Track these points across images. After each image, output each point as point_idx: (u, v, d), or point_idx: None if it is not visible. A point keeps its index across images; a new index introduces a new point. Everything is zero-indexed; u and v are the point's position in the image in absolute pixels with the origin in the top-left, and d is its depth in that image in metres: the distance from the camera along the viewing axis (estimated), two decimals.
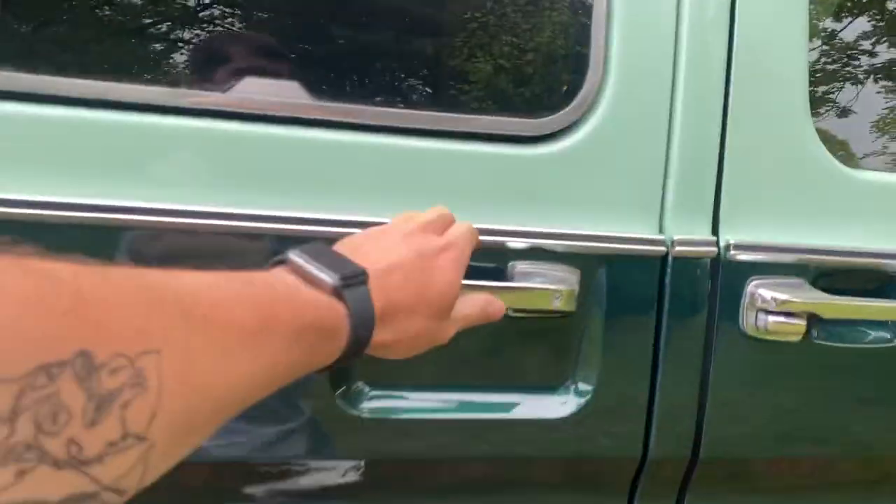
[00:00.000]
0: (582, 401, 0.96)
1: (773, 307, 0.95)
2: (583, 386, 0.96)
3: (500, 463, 0.96)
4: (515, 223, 0.91)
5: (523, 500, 0.99)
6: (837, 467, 1.07)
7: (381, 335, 0.60)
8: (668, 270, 0.95)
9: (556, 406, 0.96)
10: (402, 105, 0.89)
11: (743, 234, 0.97)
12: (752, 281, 0.97)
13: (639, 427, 0.98)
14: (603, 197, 0.93)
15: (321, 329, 0.54)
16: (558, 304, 0.90)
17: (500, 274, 0.90)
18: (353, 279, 0.57)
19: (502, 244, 0.90)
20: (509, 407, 0.95)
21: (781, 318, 0.95)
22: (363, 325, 0.57)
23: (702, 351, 0.97)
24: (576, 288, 0.91)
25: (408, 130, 0.89)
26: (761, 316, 0.96)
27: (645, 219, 0.95)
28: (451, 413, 0.93)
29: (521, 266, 0.91)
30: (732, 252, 0.96)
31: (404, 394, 0.92)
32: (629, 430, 0.98)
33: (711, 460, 1.01)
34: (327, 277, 0.56)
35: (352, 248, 0.65)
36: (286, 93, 0.86)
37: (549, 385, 0.97)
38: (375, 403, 0.91)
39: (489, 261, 0.91)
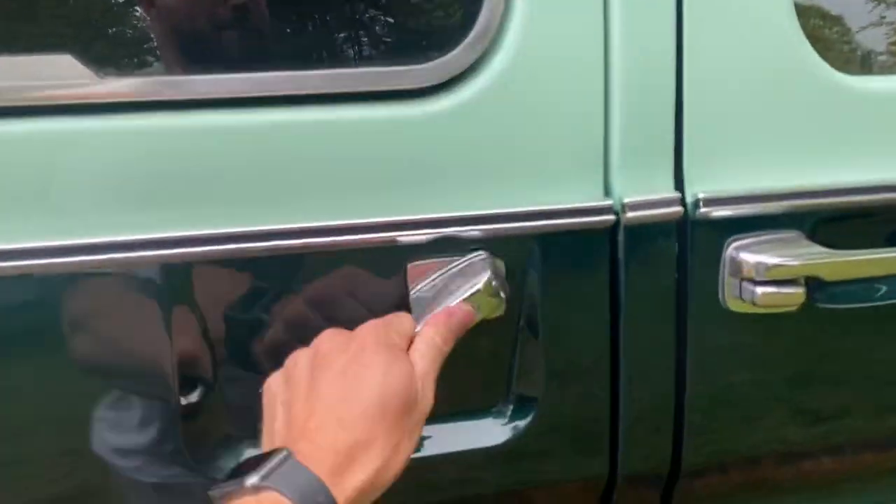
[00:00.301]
0: (523, 421, 0.75)
1: (762, 274, 0.73)
2: (523, 402, 0.75)
3: None
4: (409, 210, 0.68)
5: None
6: (859, 460, 0.88)
7: (353, 482, 0.56)
8: (621, 243, 0.72)
9: (492, 431, 0.75)
10: (229, 68, 0.64)
11: (716, 183, 0.74)
12: (732, 243, 0.74)
13: (601, 442, 0.77)
14: (523, 160, 0.69)
15: None
16: (481, 315, 0.68)
17: (396, 285, 0.68)
18: (275, 466, 0.54)
19: (393, 241, 0.67)
20: (434, 441, 0.74)
21: (772, 289, 0.73)
22: (310, 494, 0.53)
23: (674, 338, 0.76)
24: (499, 284, 0.68)
25: (242, 101, 0.64)
26: (747, 286, 0.74)
27: (584, 181, 0.71)
28: None
29: (423, 267, 0.68)
30: (703, 209, 0.73)
31: None
32: (588, 446, 0.78)
33: (697, 470, 0.81)
34: (248, 481, 0.54)
35: (276, 412, 0.61)
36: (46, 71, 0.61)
37: (480, 408, 0.76)
38: None
39: (380, 266, 0.68)
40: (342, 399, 0.58)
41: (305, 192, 0.66)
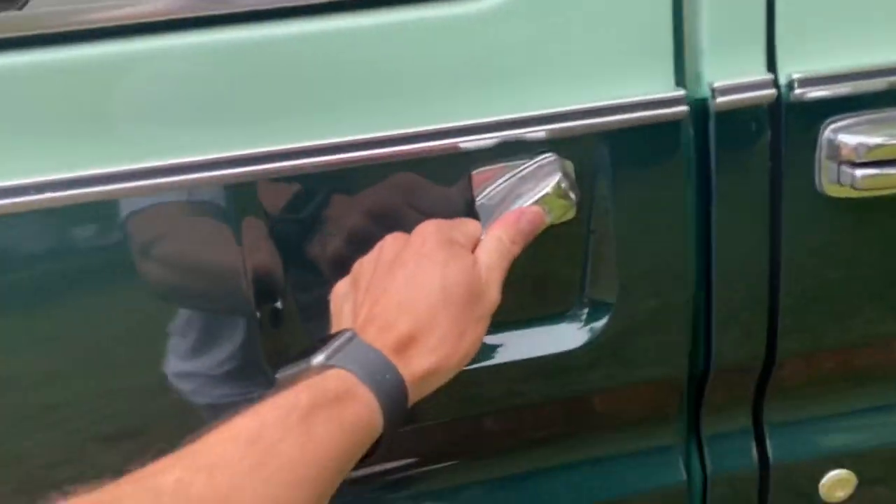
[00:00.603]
0: (599, 323, 0.74)
1: (862, 156, 0.69)
2: (597, 306, 0.74)
3: (505, 415, 0.78)
4: (470, 114, 0.65)
5: (553, 453, 0.81)
6: None
7: (419, 364, 0.56)
8: (712, 129, 0.69)
9: (567, 336, 0.74)
10: None
11: (811, 62, 0.69)
12: (829, 125, 0.70)
13: (679, 343, 0.76)
14: (588, 53, 0.66)
15: (324, 401, 0.51)
16: (550, 218, 0.66)
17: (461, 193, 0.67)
18: (340, 346, 0.55)
19: (455, 147, 0.65)
20: (509, 348, 0.73)
21: (874, 170, 0.69)
22: (377, 370, 0.54)
23: (768, 229, 0.73)
24: (568, 186, 0.66)
25: (290, 11, 0.61)
26: (845, 169, 0.70)
27: (654, 71, 0.67)
28: None
29: (488, 173, 0.66)
30: (798, 90, 0.68)
31: None
32: (666, 348, 0.77)
33: (792, 358, 0.79)
34: (314, 360, 0.55)
35: (342, 310, 0.63)
36: None
37: (553, 314, 0.74)
38: None
39: (443, 175, 0.66)
40: (404, 285, 0.58)
41: (361, 103, 0.64)
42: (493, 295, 0.60)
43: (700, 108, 0.69)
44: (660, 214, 0.71)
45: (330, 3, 0.62)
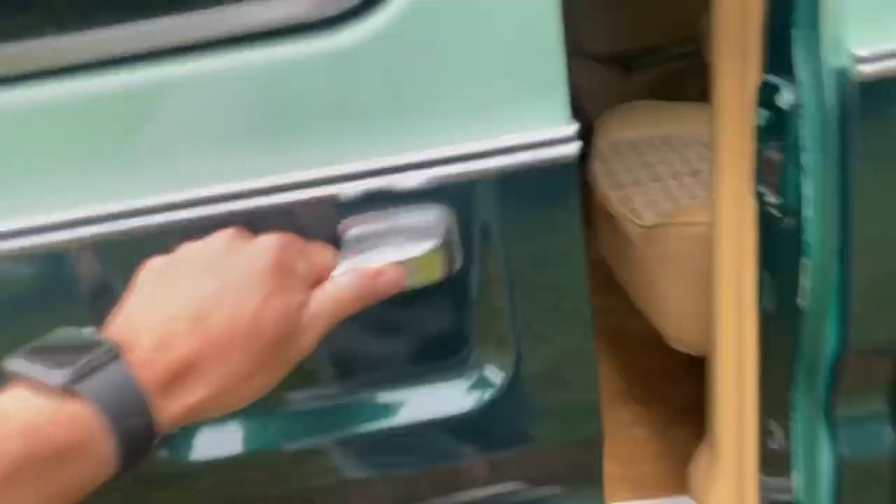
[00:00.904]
0: (492, 384, 0.69)
1: None
2: (490, 365, 0.69)
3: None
4: (334, 160, 0.60)
5: None
6: None
7: (187, 398, 0.48)
8: (852, 100, 0.66)
9: (458, 397, 0.70)
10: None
11: None
12: None
13: (591, 405, 0.71)
14: (468, 86, 0.60)
15: (41, 458, 0.42)
16: (414, 281, 0.58)
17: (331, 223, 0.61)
18: (93, 364, 0.45)
19: (327, 198, 0.60)
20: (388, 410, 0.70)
21: None
22: (129, 413, 0.45)
23: None
24: (444, 247, 0.59)
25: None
26: None
27: (545, 104, 0.61)
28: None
29: (355, 230, 0.60)
30: None
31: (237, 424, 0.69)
32: (576, 402, 0.72)
33: None
34: (52, 378, 0.44)
35: (140, 289, 0.53)
36: None
37: (442, 373, 0.70)
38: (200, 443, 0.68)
39: (308, 225, 0.61)
40: (215, 303, 0.50)
41: (205, 152, 0.61)
42: (305, 344, 0.53)
43: (840, 78, 0.65)
44: (557, 262, 0.66)
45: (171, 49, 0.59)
